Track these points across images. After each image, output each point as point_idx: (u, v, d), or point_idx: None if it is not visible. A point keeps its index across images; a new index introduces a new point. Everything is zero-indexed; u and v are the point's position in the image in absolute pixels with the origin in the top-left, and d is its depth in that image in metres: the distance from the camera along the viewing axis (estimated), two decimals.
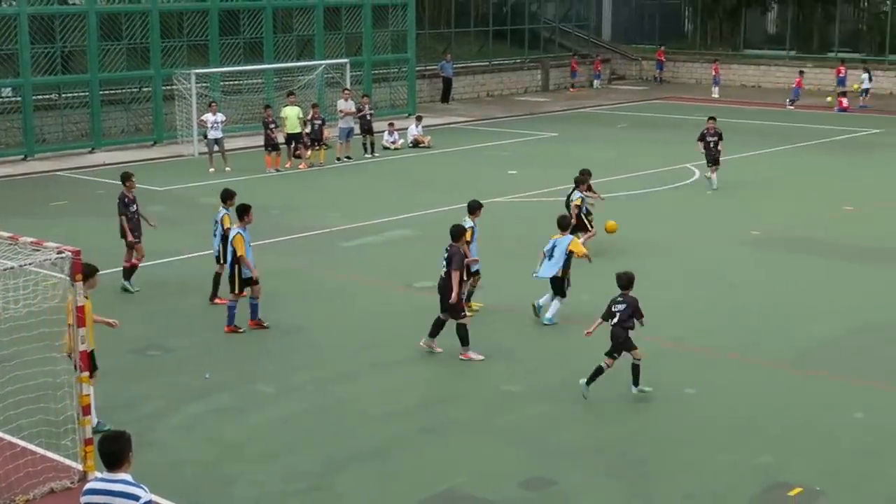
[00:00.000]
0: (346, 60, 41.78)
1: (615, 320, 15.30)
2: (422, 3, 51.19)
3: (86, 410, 12.58)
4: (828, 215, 26.96)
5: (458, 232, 17.31)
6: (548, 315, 18.97)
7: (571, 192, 22.91)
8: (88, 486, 8.47)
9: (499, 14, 57.25)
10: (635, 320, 15.35)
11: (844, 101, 47.47)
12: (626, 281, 15.53)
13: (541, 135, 41.35)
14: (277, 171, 33.59)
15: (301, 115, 34.62)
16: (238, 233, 18.28)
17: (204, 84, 38.23)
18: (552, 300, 19.00)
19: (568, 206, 22.70)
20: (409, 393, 15.74)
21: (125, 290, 20.70)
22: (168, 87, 38.46)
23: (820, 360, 16.96)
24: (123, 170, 22.79)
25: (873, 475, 13.07)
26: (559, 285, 18.93)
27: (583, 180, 22.91)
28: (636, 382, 15.41)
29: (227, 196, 19.80)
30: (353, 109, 36.09)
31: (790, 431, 14.32)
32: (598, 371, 15.34)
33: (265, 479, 12.98)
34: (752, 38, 60.98)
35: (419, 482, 12.90)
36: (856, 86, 48.54)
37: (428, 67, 50.78)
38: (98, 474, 9.32)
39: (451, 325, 17.14)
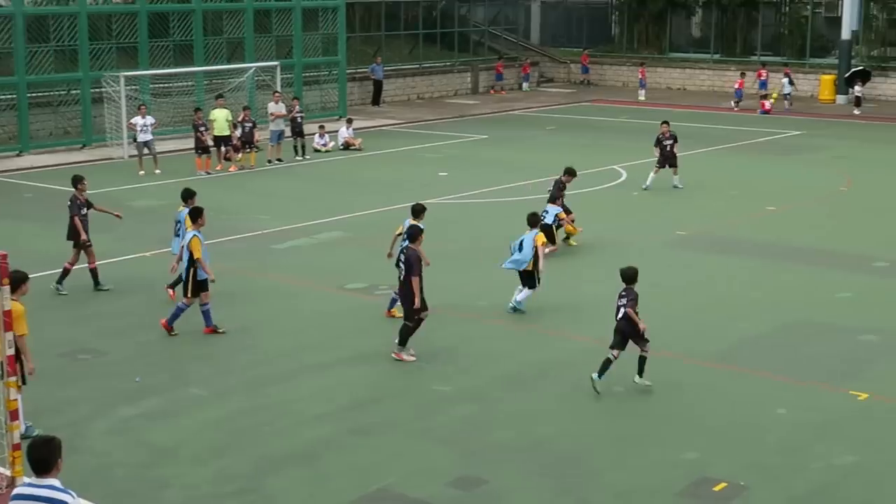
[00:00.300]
0: (276, 63, 41.74)
1: (619, 315, 15.80)
2: (352, 6, 51.19)
3: (13, 415, 12.50)
4: (751, 215, 27.43)
5: (414, 234, 17.27)
6: (517, 298, 19.48)
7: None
8: (16, 491, 8.43)
9: (429, 18, 57.44)
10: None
11: (767, 104, 48.24)
12: (629, 275, 15.99)
13: (471, 137, 41.58)
14: (208, 173, 33.48)
15: (230, 118, 34.53)
16: (194, 235, 18.22)
17: (133, 87, 37.96)
18: (524, 289, 19.54)
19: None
20: (340, 394, 15.81)
21: (60, 293, 20.63)
22: (97, 90, 38.14)
23: (744, 358, 17.27)
24: (74, 173, 22.57)
25: (796, 469, 13.35)
26: (530, 278, 19.42)
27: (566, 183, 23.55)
28: (640, 374, 15.90)
29: (187, 195, 19.83)
30: (284, 112, 36.07)
31: (716, 427, 14.59)
32: (607, 363, 15.74)
33: (196, 482, 13.00)
34: (678, 42, 61.74)
35: (350, 483, 12.98)
36: (775, 94, 49.34)
37: (358, 70, 50.82)
38: (26, 479, 9.31)
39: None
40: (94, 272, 20.93)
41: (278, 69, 41.28)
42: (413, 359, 17.12)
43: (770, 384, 16.23)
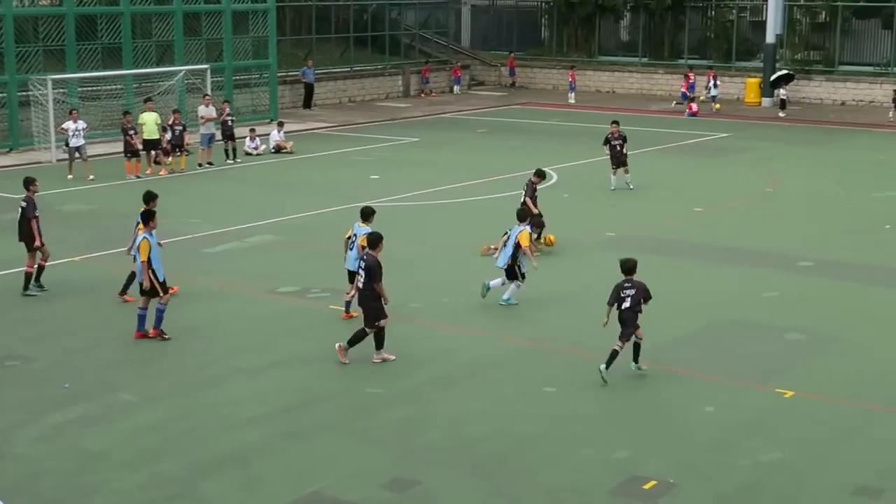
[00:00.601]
0: (206, 66, 41.48)
1: (626, 305, 16.31)
2: (283, 9, 51.02)
3: None
4: (679, 216, 27.75)
5: (375, 240, 17.09)
6: (504, 296, 20.04)
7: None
8: None
9: (359, 21, 57.36)
10: (643, 303, 16.45)
11: (694, 107, 48.81)
12: (630, 266, 16.58)
13: (402, 140, 41.63)
14: (138, 177, 33.19)
15: (159, 121, 34.28)
16: (144, 238, 18.15)
17: (61, 90, 37.53)
18: (510, 284, 20.06)
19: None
20: (273, 397, 15.78)
21: (28, 294, 20.58)
22: (24, 93, 37.68)
23: (673, 357, 17.48)
24: (25, 175, 22.36)
25: (724, 467, 13.54)
26: (510, 272, 19.84)
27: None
28: (636, 360, 16.60)
29: (149, 197, 19.81)
30: (215, 115, 35.87)
31: (646, 426, 14.78)
32: (614, 354, 16.24)
33: (128, 488, 12.92)
34: (607, 46, 62.21)
35: (284, 486, 12.98)
36: (701, 97, 49.94)
37: (289, 73, 50.62)
38: None
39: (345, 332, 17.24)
40: (39, 270, 20.81)
41: (208, 72, 41.04)
42: (393, 357, 17.20)
43: (699, 383, 16.45)
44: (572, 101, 53.59)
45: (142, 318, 18.27)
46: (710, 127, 44.97)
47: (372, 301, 16.89)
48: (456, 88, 58.34)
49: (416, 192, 30.44)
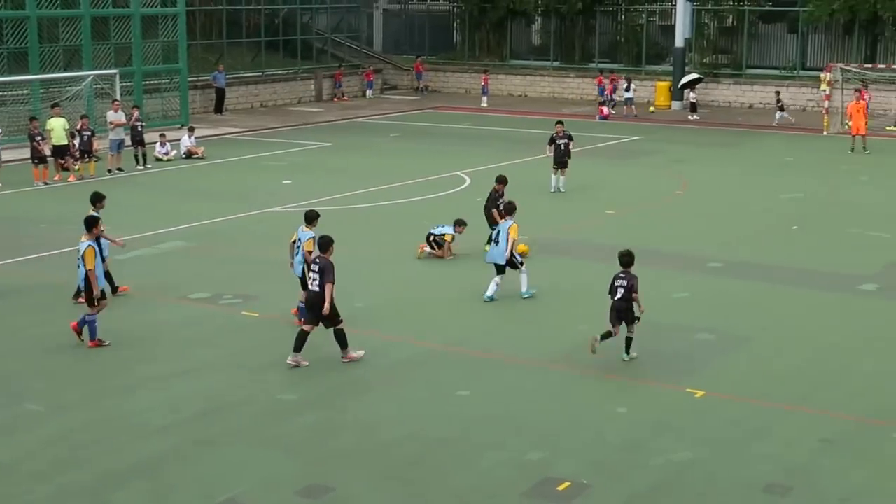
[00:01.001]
0: (115, 71, 40.95)
1: (619, 295, 17.12)
2: (193, 13, 50.54)
3: None
4: (591, 219, 27.97)
5: (326, 243, 17.08)
6: (523, 290, 20.67)
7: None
8: None
9: (271, 25, 56.98)
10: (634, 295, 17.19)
11: (605, 110, 49.24)
12: (627, 259, 17.39)
13: (315, 145, 41.44)
14: (45, 183, 32.67)
15: (67, 127, 33.77)
16: (90, 245, 17.88)
17: None
18: (521, 276, 20.70)
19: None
20: (185, 405, 15.62)
21: None
22: None
23: (585, 358, 17.49)
24: None
25: (636, 466, 13.66)
26: (511, 264, 20.50)
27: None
28: (627, 351, 17.37)
29: (96, 199, 19.73)
30: (124, 120, 35.42)
31: (558, 428, 14.83)
32: (608, 335, 17.18)
33: (37, 499, 12.70)
34: (518, 50, 62.55)
35: (196, 494, 12.85)
36: (619, 98, 50.44)
37: (200, 78, 50.15)
38: None
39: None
40: None
41: (117, 77, 40.51)
42: (362, 353, 17.37)
43: (611, 383, 16.58)
44: (485, 104, 53.75)
45: (91, 325, 18.05)
46: (621, 130, 45.40)
47: (322, 303, 16.86)
48: (368, 93, 58.24)
49: (329, 197, 30.32)
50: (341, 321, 17.16)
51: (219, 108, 50.28)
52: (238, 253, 23.57)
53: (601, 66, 56.87)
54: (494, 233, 20.95)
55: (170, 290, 21.38)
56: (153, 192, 31.92)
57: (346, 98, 56.67)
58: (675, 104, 52.58)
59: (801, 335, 18.85)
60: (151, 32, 44.87)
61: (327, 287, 16.74)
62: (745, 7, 54.91)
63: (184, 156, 37.75)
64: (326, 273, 16.75)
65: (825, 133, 43.99)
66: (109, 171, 34.76)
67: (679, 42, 52.78)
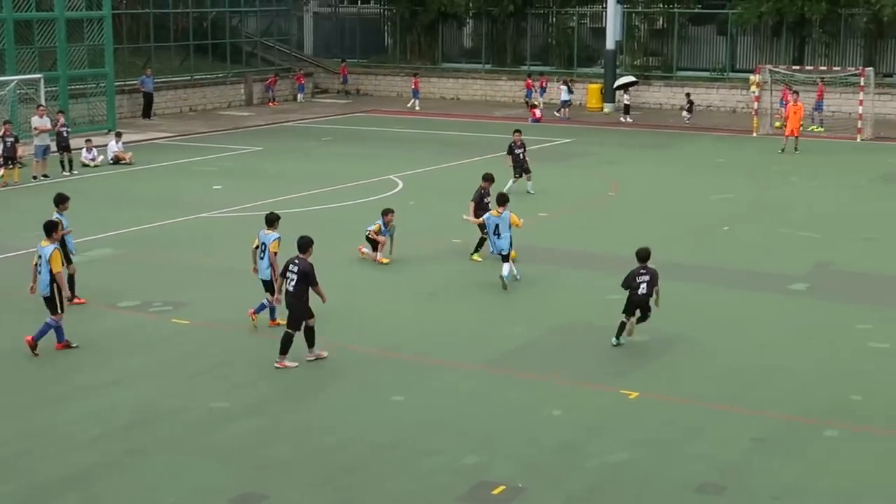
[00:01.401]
0: (40, 76, 40.35)
1: (642, 290, 18.00)
2: (119, 17, 49.95)
3: None
4: (524, 221, 27.88)
5: (305, 243, 17.22)
6: (512, 272, 21.76)
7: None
8: None
9: (199, 29, 56.41)
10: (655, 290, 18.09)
11: (538, 112, 49.38)
12: (645, 255, 18.21)
13: (245, 149, 41.08)
14: None
15: None
16: (55, 248, 17.66)
17: None
18: (509, 266, 21.67)
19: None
20: (115, 415, 15.39)
21: None
22: None
23: (519, 362, 17.60)
24: None
25: (572, 469, 13.67)
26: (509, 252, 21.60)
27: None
28: (618, 336, 18.26)
29: (59, 200, 19.85)
30: (49, 126, 34.89)
31: (493, 431, 14.80)
32: (622, 326, 18.12)
33: None
34: (450, 52, 62.57)
35: None
36: (537, 101, 50.60)
37: (127, 82, 49.53)
38: None
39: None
40: None
41: (42, 82, 39.92)
42: (296, 364, 17.17)
43: (545, 386, 16.57)
44: (417, 108, 53.63)
45: (59, 330, 17.89)
46: (554, 133, 45.52)
47: (300, 303, 16.98)
48: (300, 96, 57.92)
49: (260, 203, 30.04)
50: (307, 323, 17.23)
51: (147, 112, 49.71)
52: (167, 260, 23.28)
53: (533, 68, 57.04)
54: (492, 226, 21.78)
55: (98, 299, 21.04)
56: (80, 199, 31.17)
57: (276, 102, 56.27)
58: (608, 106, 52.85)
59: (733, 335, 18.98)
60: (77, 36, 44.24)
61: (317, 290, 17.05)
62: (675, 9, 55.38)
63: (111, 161, 37.25)
64: (310, 278, 16.93)
65: (755, 134, 44.46)
66: (34, 177, 34.20)
67: (610, 44, 53.06)
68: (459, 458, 13.92)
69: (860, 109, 42.70)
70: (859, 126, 42.82)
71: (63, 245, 19.46)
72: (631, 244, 25.17)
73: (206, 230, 26.47)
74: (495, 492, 13.01)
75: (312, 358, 17.42)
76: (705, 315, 20.15)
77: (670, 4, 56.26)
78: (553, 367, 17.36)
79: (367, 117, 51.78)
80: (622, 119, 49.11)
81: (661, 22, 56.70)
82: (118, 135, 38.86)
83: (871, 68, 44.92)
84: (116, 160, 37.30)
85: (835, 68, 47.42)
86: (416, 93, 54.45)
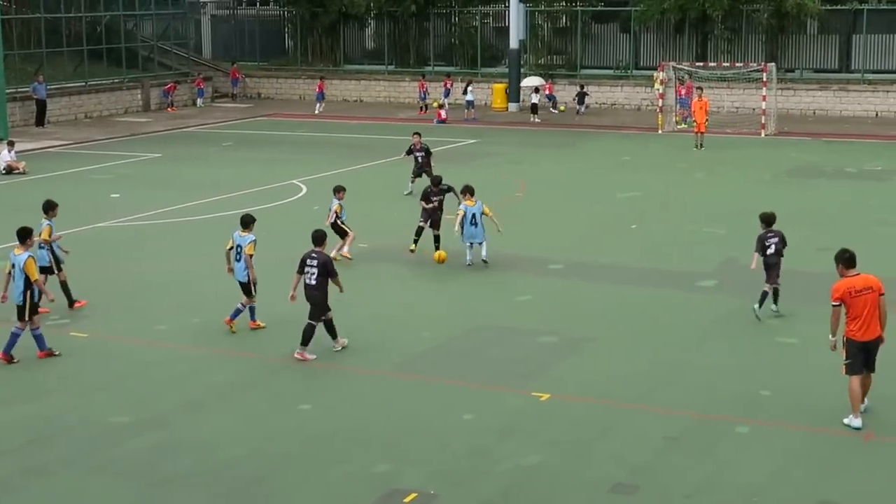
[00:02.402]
0: None
1: (771, 251, 19.11)
2: (9, 21, 48.81)
3: None
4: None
5: (320, 236, 17.82)
6: (483, 254, 22.92)
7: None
8: None
9: (93, 33, 55.21)
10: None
11: (443, 114, 49.18)
12: (771, 218, 19.41)
13: (143, 156, 40.33)
14: None
15: None
16: (30, 256, 17.27)
17: None
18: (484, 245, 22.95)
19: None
20: (13, 432, 14.87)
21: None
22: None
23: (427, 366, 17.38)
24: None
25: (484, 473, 13.49)
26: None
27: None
28: (760, 305, 19.32)
29: (49, 207, 19.91)
30: None
31: (403, 438, 14.58)
32: (764, 295, 19.20)
33: None
34: (352, 54, 62.16)
35: None
36: (436, 102, 50.48)
37: (19, 90, 48.38)
38: None
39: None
40: None
41: None
42: (315, 357, 17.49)
43: (455, 390, 16.38)
44: (319, 110, 53.08)
45: (39, 338, 17.56)
46: (459, 134, 45.40)
47: (322, 295, 17.48)
48: (199, 101, 57.04)
49: (160, 210, 29.47)
50: (324, 318, 17.63)
51: (40, 120, 48.56)
52: (64, 271, 22.52)
53: (437, 69, 56.89)
54: (469, 216, 22.73)
55: None
56: None
57: (173, 108, 55.33)
58: (512, 106, 52.80)
59: (643, 334, 18.92)
60: None
61: (336, 282, 17.65)
62: (578, 7, 55.58)
63: (3, 171, 36.31)
64: (329, 266, 17.56)
65: (660, 131, 44.78)
66: None
67: (514, 44, 53.05)
68: (369, 466, 13.68)
69: (763, 105, 43.22)
70: (763, 122, 43.33)
71: (52, 252, 19.81)
72: (539, 244, 25.32)
73: (105, 240, 25.82)
74: (407, 500, 12.80)
75: (339, 348, 17.84)
76: (614, 314, 20.08)
77: (573, 3, 56.54)
78: (462, 371, 17.17)
79: (269, 121, 51.22)
80: (532, 119, 49.05)
81: (564, 20, 56.94)
82: (10, 144, 37.86)
83: (773, 64, 45.52)
84: (9, 170, 36.36)
85: (737, 64, 47.98)
86: (319, 95, 53.84)
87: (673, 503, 12.74)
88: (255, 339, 18.84)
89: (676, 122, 45.74)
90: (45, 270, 19.55)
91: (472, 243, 23.02)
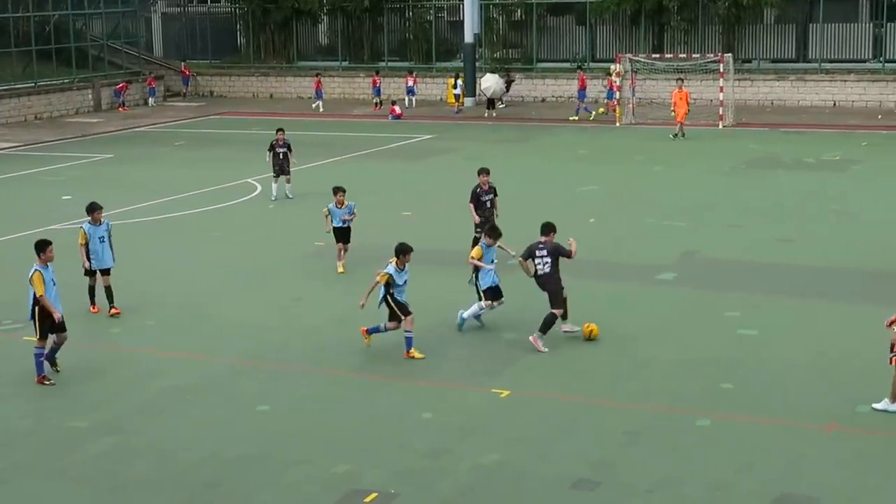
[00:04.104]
0: None
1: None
2: None
3: None
4: (388, 222, 27.56)
5: (548, 225, 18.11)
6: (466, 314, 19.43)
7: None
8: None
9: (42, 33, 54.60)
10: None
11: (397, 109, 49.00)
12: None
13: (95, 157, 39.91)
14: None
15: None
16: (37, 270, 16.37)
17: None
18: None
19: None
20: None
21: None
22: None
23: (385, 365, 17.24)
24: None
25: (444, 472, 13.41)
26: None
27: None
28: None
29: (92, 209, 19.70)
30: None
31: (363, 438, 14.46)
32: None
33: None
34: (305, 51, 61.78)
35: None
36: (386, 99, 50.49)
37: None
38: None
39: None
40: None
41: None
42: (546, 350, 17.53)
43: (414, 389, 16.28)
44: (319, 108, 52.13)
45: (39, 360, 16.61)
46: (414, 129, 45.23)
47: (557, 282, 17.76)
48: (151, 100, 56.51)
49: (113, 212, 28.98)
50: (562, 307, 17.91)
51: None
52: (16, 276, 22.15)
53: (391, 64, 56.67)
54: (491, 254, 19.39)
55: None
56: None
57: (125, 108, 54.75)
58: (468, 101, 52.59)
59: (603, 328, 18.80)
60: None
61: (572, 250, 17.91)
62: (533, 0, 55.46)
63: None
64: (560, 251, 17.93)
65: (618, 124, 44.80)
66: None
67: (469, 38, 52.91)
68: (329, 466, 13.55)
69: (721, 96, 43.37)
70: (721, 113, 43.45)
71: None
72: (500, 240, 25.10)
73: (57, 243, 25.19)
74: (367, 500, 12.70)
75: (534, 342, 17.64)
76: (574, 308, 19.92)
77: None
78: (422, 370, 17.05)
79: (222, 119, 50.85)
80: (490, 114, 48.87)
81: (519, 13, 56.85)
82: None
83: (729, 54, 45.72)
84: None
85: (694, 56, 48.14)
86: (319, 93, 53.00)
87: (635, 498, 12.70)
88: (209, 340, 18.66)
89: (602, 113, 46.31)
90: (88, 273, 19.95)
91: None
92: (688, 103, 40.77)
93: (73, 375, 16.88)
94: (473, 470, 13.44)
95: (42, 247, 16.87)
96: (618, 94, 45.72)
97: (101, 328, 19.21)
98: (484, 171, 23.28)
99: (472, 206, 22.90)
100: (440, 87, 54.39)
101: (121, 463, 13.85)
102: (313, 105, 52.85)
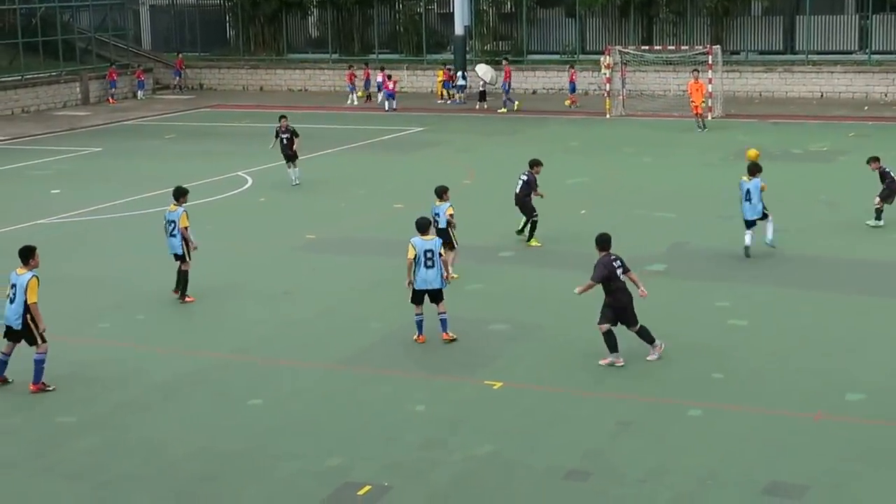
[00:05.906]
0: None
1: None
2: None
3: None
4: (380, 214, 27.54)
5: (605, 239, 16.97)
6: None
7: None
8: None
9: (29, 25, 54.33)
10: None
11: (393, 103, 48.72)
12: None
13: (83, 150, 39.74)
14: None
15: None
16: (33, 276, 16.06)
17: None
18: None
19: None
20: None
21: None
22: None
23: (377, 358, 17.22)
24: None
25: (437, 464, 13.41)
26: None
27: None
28: None
29: (179, 193, 20.27)
30: None
31: (355, 431, 14.44)
32: None
33: None
34: (295, 43, 61.61)
35: None
36: (361, 93, 50.20)
37: None
38: None
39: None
40: None
41: None
42: (623, 362, 16.58)
43: (406, 382, 16.26)
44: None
45: (3, 364, 16.30)
46: (406, 122, 45.11)
47: (631, 299, 16.79)
48: (140, 93, 56.30)
49: (101, 206, 29.03)
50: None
51: None
52: (2, 271, 22.11)
53: (382, 56, 56.49)
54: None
55: None
56: None
57: (115, 100, 54.56)
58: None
59: (592, 320, 18.75)
60: None
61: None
62: None
63: None
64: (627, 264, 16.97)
65: (608, 116, 44.75)
66: None
67: (459, 30, 52.76)
68: (322, 460, 13.54)
69: (710, 88, 43.29)
70: (710, 104, 43.40)
71: (186, 240, 19.95)
72: (487, 233, 25.19)
73: (45, 237, 25.33)
74: (360, 492, 12.70)
75: (656, 356, 16.81)
76: (564, 301, 19.91)
77: None
78: (413, 362, 17.05)
79: (212, 112, 50.67)
80: (479, 105, 48.75)
81: (509, 5, 56.71)
82: None
83: (718, 46, 45.66)
84: None
85: (683, 47, 48.03)
86: (351, 87, 52.36)
87: (627, 488, 12.72)
88: (200, 335, 18.63)
89: (568, 106, 46.48)
90: (178, 258, 20.11)
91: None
92: (703, 94, 40.75)
93: (61, 371, 16.78)
94: (466, 461, 13.44)
95: (31, 253, 16.50)
96: (607, 86, 45.65)
97: (89, 322, 19.13)
98: (537, 163, 24.39)
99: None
100: (430, 80, 54.23)
101: (111, 458, 13.83)
102: (354, 100, 51.83)
